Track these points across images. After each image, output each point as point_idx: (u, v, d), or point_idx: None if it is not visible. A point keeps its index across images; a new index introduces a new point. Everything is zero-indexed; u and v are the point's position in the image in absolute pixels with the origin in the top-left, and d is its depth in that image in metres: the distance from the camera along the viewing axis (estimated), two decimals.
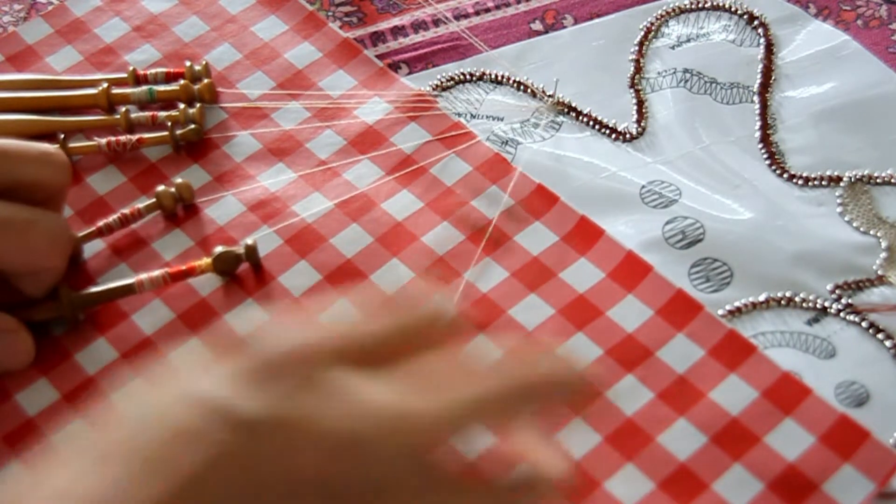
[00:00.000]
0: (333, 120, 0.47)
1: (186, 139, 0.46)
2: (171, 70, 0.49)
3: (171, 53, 0.50)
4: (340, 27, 0.51)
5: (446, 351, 0.30)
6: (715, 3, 0.51)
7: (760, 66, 0.49)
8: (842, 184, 0.45)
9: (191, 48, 0.50)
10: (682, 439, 0.37)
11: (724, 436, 0.37)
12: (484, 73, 0.49)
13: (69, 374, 0.40)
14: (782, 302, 0.41)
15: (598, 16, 0.51)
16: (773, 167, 0.46)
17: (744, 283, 0.42)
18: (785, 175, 0.45)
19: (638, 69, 0.49)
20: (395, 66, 0.50)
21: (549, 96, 0.48)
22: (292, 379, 0.26)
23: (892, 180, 0.45)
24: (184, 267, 0.42)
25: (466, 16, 0.52)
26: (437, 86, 0.49)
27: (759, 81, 0.48)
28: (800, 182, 0.45)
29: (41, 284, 0.40)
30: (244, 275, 0.42)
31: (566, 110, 0.48)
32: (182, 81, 0.48)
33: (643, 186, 0.45)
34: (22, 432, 0.39)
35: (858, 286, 0.42)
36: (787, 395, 0.38)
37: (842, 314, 0.41)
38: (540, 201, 0.44)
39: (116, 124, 0.47)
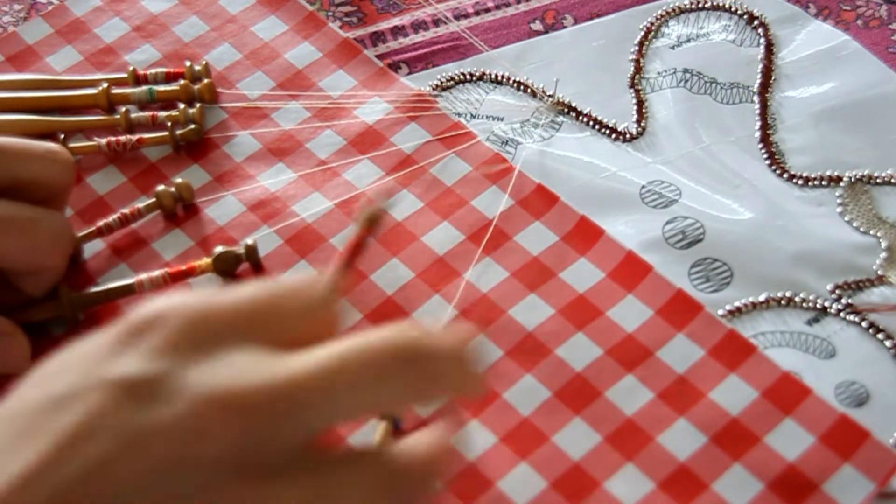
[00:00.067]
0: (333, 120, 0.47)
1: (186, 139, 0.46)
2: (171, 70, 0.49)
3: (171, 53, 0.50)
4: (340, 27, 0.51)
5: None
6: (715, 3, 0.51)
7: (760, 66, 0.49)
8: (842, 184, 0.45)
9: (191, 48, 0.50)
10: (682, 439, 0.37)
11: (724, 436, 0.37)
12: (484, 73, 0.49)
13: None
14: (782, 302, 0.41)
15: (598, 16, 0.51)
16: (773, 167, 0.46)
17: (744, 283, 0.42)
18: (785, 175, 0.45)
19: (638, 69, 0.49)
20: (395, 66, 0.50)
21: (549, 96, 0.48)
22: (162, 338, 0.26)
23: (892, 180, 0.45)
24: (184, 267, 0.42)
25: (466, 16, 0.52)
26: (437, 86, 0.49)
27: (759, 81, 0.48)
28: (800, 182, 0.45)
29: (42, 284, 0.40)
30: (244, 275, 0.43)
31: (566, 110, 0.48)
32: (182, 81, 0.48)
33: (643, 186, 0.45)
34: None
35: (858, 286, 0.42)
36: (787, 395, 0.38)
37: (842, 314, 0.41)
38: (540, 201, 0.44)
39: (116, 124, 0.47)
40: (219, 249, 0.42)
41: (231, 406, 0.25)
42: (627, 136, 0.47)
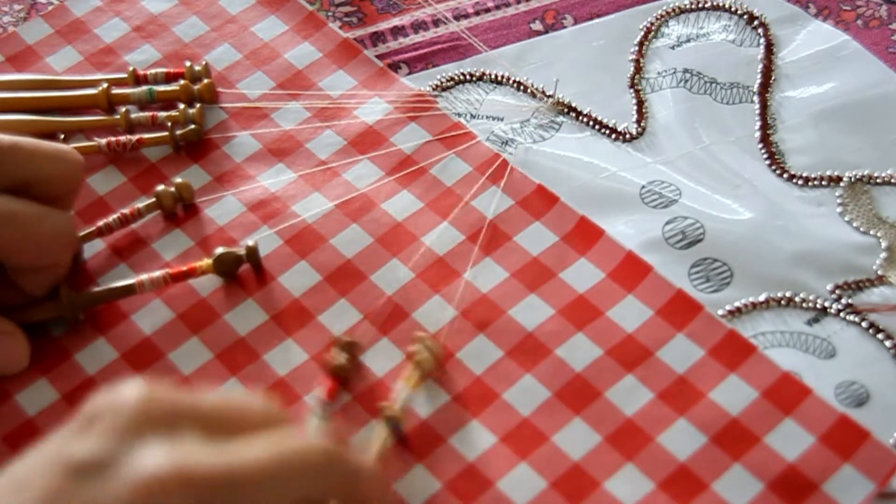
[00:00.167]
0: (333, 120, 0.47)
1: (186, 139, 0.46)
2: (171, 70, 0.49)
3: (171, 54, 0.50)
4: (340, 27, 0.51)
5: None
6: (715, 3, 0.51)
7: (760, 66, 0.49)
8: (842, 184, 0.45)
9: (191, 48, 0.50)
10: (682, 439, 0.37)
11: (724, 436, 0.37)
12: (484, 74, 0.49)
13: (69, 375, 0.40)
14: (782, 302, 0.41)
15: (598, 16, 0.51)
16: (773, 167, 0.46)
17: (744, 283, 0.42)
18: (785, 175, 0.45)
19: (638, 69, 0.49)
20: (395, 67, 0.50)
21: (549, 96, 0.48)
22: (114, 422, 0.28)
23: (892, 180, 0.45)
24: (184, 268, 0.42)
25: (466, 16, 0.52)
26: (437, 86, 0.49)
27: (759, 81, 0.48)
28: (800, 182, 0.45)
29: (43, 282, 0.40)
30: (244, 275, 0.42)
31: (566, 110, 0.48)
32: (182, 81, 0.48)
33: (643, 186, 0.45)
34: (22, 432, 0.39)
35: (858, 286, 0.42)
36: (787, 395, 0.38)
37: (842, 314, 0.41)
38: (540, 201, 0.44)
39: (116, 124, 0.47)
40: (219, 250, 0.42)
41: (175, 482, 0.26)
42: (627, 136, 0.47)
